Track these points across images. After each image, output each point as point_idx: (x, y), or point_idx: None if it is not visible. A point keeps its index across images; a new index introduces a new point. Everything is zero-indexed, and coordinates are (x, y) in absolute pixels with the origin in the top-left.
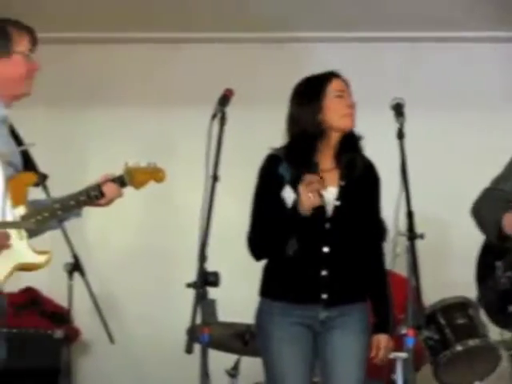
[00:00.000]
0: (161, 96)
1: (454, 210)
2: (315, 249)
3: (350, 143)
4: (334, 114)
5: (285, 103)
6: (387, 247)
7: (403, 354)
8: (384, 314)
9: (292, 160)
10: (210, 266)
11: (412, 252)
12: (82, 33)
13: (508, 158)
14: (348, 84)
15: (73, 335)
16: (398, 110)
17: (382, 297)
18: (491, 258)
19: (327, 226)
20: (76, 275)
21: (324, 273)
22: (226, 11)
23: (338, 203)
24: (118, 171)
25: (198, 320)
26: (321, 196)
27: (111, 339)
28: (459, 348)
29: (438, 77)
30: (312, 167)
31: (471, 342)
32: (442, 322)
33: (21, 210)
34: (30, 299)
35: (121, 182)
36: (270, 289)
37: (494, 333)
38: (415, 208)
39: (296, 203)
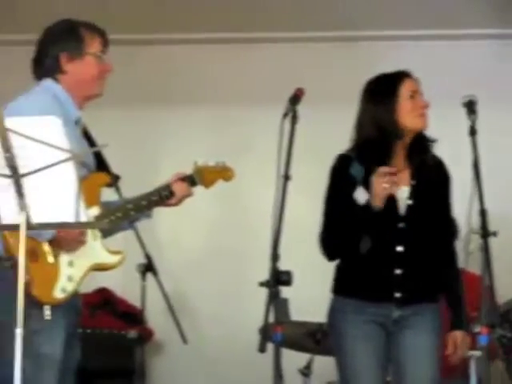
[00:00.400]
0: (232, 95)
1: None
2: (389, 248)
3: (421, 143)
4: (407, 114)
5: (356, 102)
6: (460, 245)
7: (477, 352)
8: (459, 311)
9: (365, 160)
10: (282, 265)
11: (485, 250)
12: (157, 34)
13: None
14: (419, 83)
15: (146, 335)
16: (470, 107)
17: (456, 294)
18: None
19: (401, 225)
20: (149, 276)
21: (398, 272)
22: (298, 11)
23: (410, 202)
24: (189, 171)
25: (271, 319)
26: (394, 185)
27: (184, 339)
28: None
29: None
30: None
31: None
32: None
33: (94, 211)
34: (104, 300)
35: (191, 181)
36: (342, 287)
37: None
38: (488, 205)
39: (369, 203)
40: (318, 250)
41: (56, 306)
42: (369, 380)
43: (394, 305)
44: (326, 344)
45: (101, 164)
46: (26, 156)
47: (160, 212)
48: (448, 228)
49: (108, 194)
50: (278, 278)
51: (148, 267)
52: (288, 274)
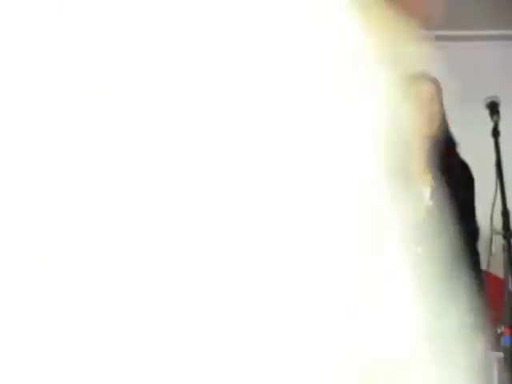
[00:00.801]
0: None
1: None
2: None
3: (442, 145)
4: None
5: None
6: (482, 247)
7: (499, 354)
8: (478, 313)
9: None
10: None
11: (508, 251)
12: None
13: None
14: (435, 85)
15: None
16: (493, 108)
17: (476, 296)
18: None
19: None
20: None
21: None
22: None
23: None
24: None
25: None
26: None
27: None
28: None
29: None
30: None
31: None
32: None
33: None
34: None
35: None
36: None
37: None
38: (511, 206)
39: None
40: None
41: None
42: None
43: None
44: None
45: None
46: None
47: None
48: (470, 228)
49: None
50: None
51: None
52: None
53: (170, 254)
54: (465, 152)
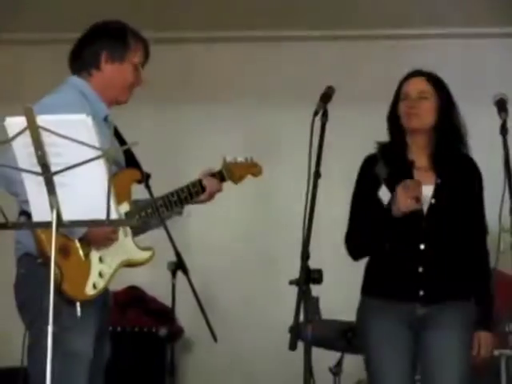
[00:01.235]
0: (262, 93)
1: None
2: (412, 246)
3: (445, 140)
4: (401, 115)
5: (385, 100)
6: (491, 244)
7: (507, 351)
8: (486, 311)
9: (387, 158)
10: (314, 263)
11: None
12: (183, 32)
13: None
14: (430, 79)
15: (176, 333)
16: (502, 105)
17: (483, 293)
18: None
19: (423, 223)
20: (179, 274)
21: (421, 270)
22: (326, 9)
23: (433, 201)
24: (218, 167)
25: (301, 317)
26: (418, 201)
27: (214, 337)
28: None
29: None
30: (407, 165)
31: None
32: None
33: (125, 207)
34: (134, 298)
35: (220, 177)
36: (368, 286)
37: None
38: None
39: (391, 202)
40: None
41: (87, 303)
42: (394, 378)
43: (419, 303)
44: (356, 343)
45: (131, 161)
46: (58, 154)
47: (190, 210)
48: (477, 226)
49: (139, 193)
50: (309, 277)
51: (178, 265)
52: (319, 272)
53: None
54: (473, 150)
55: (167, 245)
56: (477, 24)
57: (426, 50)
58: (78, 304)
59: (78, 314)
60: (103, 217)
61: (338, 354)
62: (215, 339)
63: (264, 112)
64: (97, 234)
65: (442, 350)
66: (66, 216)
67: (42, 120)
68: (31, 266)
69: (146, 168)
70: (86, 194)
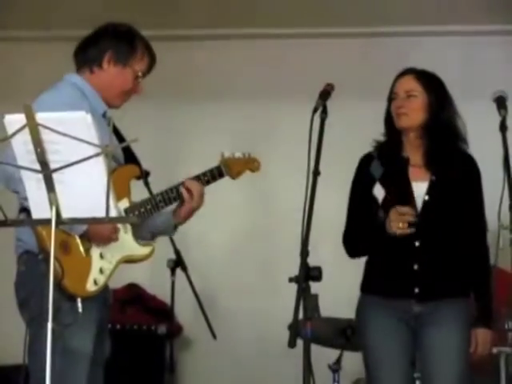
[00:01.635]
0: (262, 91)
1: None
2: (407, 243)
3: (438, 137)
4: (393, 115)
5: (385, 98)
6: (490, 241)
7: (507, 349)
8: (484, 308)
9: (382, 156)
10: (313, 261)
11: None
12: (184, 30)
13: None
14: (419, 77)
15: (176, 331)
16: (501, 102)
17: (482, 291)
18: None
19: (417, 220)
20: (178, 271)
21: (416, 267)
22: (327, 7)
23: (427, 198)
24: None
25: (301, 315)
26: (412, 225)
27: (213, 335)
28: None
29: None
30: (401, 163)
31: None
32: None
33: (124, 203)
34: (133, 295)
35: (218, 172)
36: (366, 283)
37: None
38: None
39: (385, 201)
40: None
41: (87, 300)
42: (392, 375)
43: (414, 300)
44: (356, 340)
45: (130, 158)
46: (57, 151)
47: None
48: (476, 223)
49: (138, 190)
50: (308, 274)
51: (177, 263)
52: (318, 269)
53: None
54: (472, 147)
55: (166, 242)
56: (476, 22)
57: (426, 48)
58: (79, 300)
59: (79, 310)
60: (103, 214)
61: (337, 352)
62: (214, 337)
63: (264, 109)
64: (97, 232)
65: (438, 347)
66: (66, 213)
67: (41, 117)
68: (31, 264)
69: (145, 166)
70: (86, 191)
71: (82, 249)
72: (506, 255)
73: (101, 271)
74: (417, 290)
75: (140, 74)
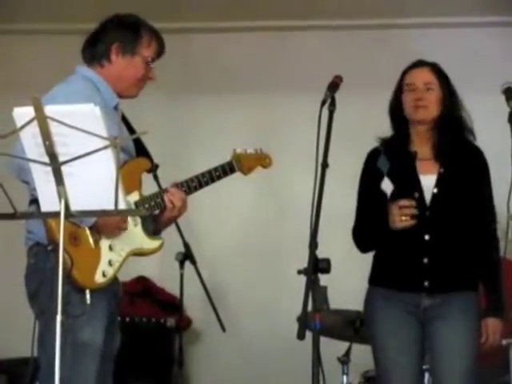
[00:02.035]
0: (270, 83)
1: None
2: (417, 237)
3: (449, 130)
4: (406, 107)
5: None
6: (499, 233)
7: None
8: (494, 298)
9: (389, 151)
10: (322, 253)
11: None
12: (193, 23)
13: None
14: (433, 71)
15: (185, 324)
16: (509, 94)
17: (492, 282)
18: None
19: (427, 213)
20: (187, 264)
21: (426, 260)
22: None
23: (435, 191)
24: (227, 159)
25: (310, 307)
26: (415, 218)
27: (222, 328)
28: None
29: None
30: (409, 157)
31: None
32: None
33: (134, 196)
34: (143, 288)
35: (230, 167)
36: (375, 276)
37: None
38: None
39: (394, 195)
40: None
41: (97, 292)
42: (401, 367)
43: (424, 294)
44: (365, 332)
45: (141, 151)
46: (66, 144)
47: (198, 201)
48: (485, 215)
49: (147, 183)
50: (317, 266)
51: (186, 256)
52: (327, 261)
53: None
54: (481, 139)
55: (175, 235)
56: (475, 13)
57: (435, 40)
58: (87, 291)
59: (88, 301)
60: (111, 206)
61: (346, 344)
62: (223, 329)
63: (274, 102)
64: (107, 223)
65: (448, 340)
66: (75, 206)
67: (49, 110)
68: (41, 256)
69: (155, 159)
70: (94, 183)
71: (91, 240)
72: None
73: (110, 263)
74: (426, 284)
75: (150, 59)
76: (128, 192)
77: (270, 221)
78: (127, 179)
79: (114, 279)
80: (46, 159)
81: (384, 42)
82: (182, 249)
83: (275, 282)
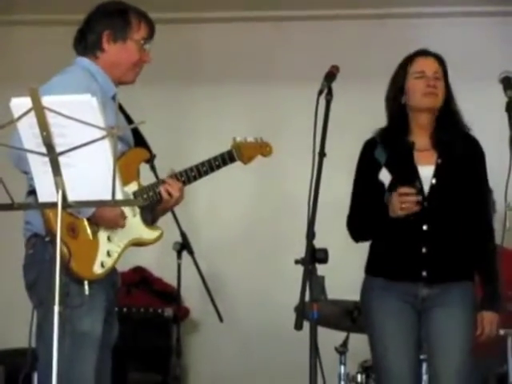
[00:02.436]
0: (268, 73)
1: None
2: (415, 226)
3: (448, 121)
4: (413, 94)
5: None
6: (497, 222)
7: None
8: (490, 290)
9: (386, 142)
10: (319, 243)
11: None
12: (192, 13)
13: None
14: (440, 61)
15: (182, 314)
16: (507, 83)
17: (489, 273)
18: None
19: (425, 204)
20: (185, 254)
21: (424, 250)
22: None
23: (434, 181)
24: (226, 148)
25: (307, 297)
26: (418, 205)
27: (220, 318)
28: None
29: None
30: (407, 147)
31: None
32: None
33: (133, 187)
34: (140, 278)
35: (229, 156)
36: (372, 266)
37: None
38: None
39: (392, 185)
40: None
41: (96, 283)
42: (397, 355)
43: (422, 283)
44: (362, 322)
45: (139, 141)
46: (63, 134)
47: (196, 190)
48: (482, 205)
49: (145, 174)
50: (314, 256)
51: (183, 246)
52: (324, 251)
53: None
54: (478, 128)
55: (172, 225)
56: (472, 2)
57: (432, 29)
58: (86, 283)
59: (86, 292)
60: (109, 197)
61: (343, 334)
62: (221, 319)
63: (271, 92)
64: (105, 217)
65: (445, 329)
66: (72, 196)
67: (46, 101)
68: (39, 247)
69: (152, 149)
70: (92, 174)
71: (89, 232)
72: None
73: (108, 254)
74: (424, 273)
75: (142, 41)
76: (127, 182)
77: (267, 211)
78: (125, 170)
79: (113, 270)
80: (44, 150)
81: (381, 32)
82: (179, 239)
83: (273, 271)
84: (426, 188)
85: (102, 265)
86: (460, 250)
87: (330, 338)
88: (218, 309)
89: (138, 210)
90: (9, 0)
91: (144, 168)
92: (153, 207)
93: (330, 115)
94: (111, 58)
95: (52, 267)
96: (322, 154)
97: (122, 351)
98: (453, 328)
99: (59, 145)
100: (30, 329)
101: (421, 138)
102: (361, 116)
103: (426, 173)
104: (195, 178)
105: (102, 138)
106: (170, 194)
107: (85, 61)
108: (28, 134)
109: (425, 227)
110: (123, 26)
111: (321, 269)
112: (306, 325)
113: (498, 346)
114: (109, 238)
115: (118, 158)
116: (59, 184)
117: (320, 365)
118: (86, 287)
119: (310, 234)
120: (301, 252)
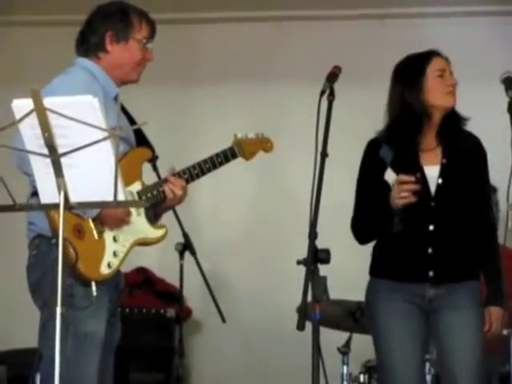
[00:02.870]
0: (270, 74)
1: None
2: (421, 227)
3: (452, 121)
4: (435, 93)
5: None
6: (499, 222)
7: None
8: (495, 287)
9: (393, 141)
10: (321, 243)
11: None
12: (195, 13)
13: None
14: (449, 62)
15: (185, 314)
16: (509, 83)
17: (493, 271)
18: None
19: (431, 204)
20: (187, 254)
21: (430, 250)
22: None
23: (440, 181)
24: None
25: (309, 297)
26: (417, 194)
27: (222, 318)
28: None
29: None
30: (412, 147)
31: None
32: None
33: (136, 186)
34: (142, 279)
35: (231, 153)
36: (377, 267)
37: None
38: None
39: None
40: None
41: (100, 284)
42: (402, 356)
43: (429, 284)
44: (365, 322)
45: (142, 141)
46: (65, 135)
47: (198, 190)
48: (485, 204)
49: (147, 174)
50: (317, 256)
51: (186, 246)
52: (326, 251)
53: None
54: (480, 128)
55: (175, 226)
56: (473, 2)
57: (434, 29)
58: (93, 284)
59: (94, 293)
60: (111, 198)
61: (346, 334)
62: (223, 320)
63: (274, 92)
64: (110, 215)
65: (454, 329)
66: (74, 198)
67: (48, 102)
68: (43, 248)
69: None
70: (94, 175)
71: (95, 232)
72: None
73: (114, 254)
74: (431, 274)
75: (144, 41)
76: (130, 182)
77: (269, 212)
78: (128, 170)
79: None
80: (46, 151)
81: (381, 32)
82: (181, 239)
83: (275, 272)
84: (433, 188)
85: (109, 265)
86: (466, 250)
87: (332, 338)
88: (221, 309)
89: (142, 209)
90: (8, 1)
91: (144, 168)
92: (156, 205)
93: (332, 116)
94: (114, 59)
95: (56, 268)
96: (324, 155)
97: (125, 351)
98: (468, 329)
99: (61, 146)
100: (39, 329)
101: (427, 137)
102: (360, 116)
103: (432, 173)
104: (198, 176)
105: (104, 139)
106: (173, 193)
107: (86, 61)
108: (30, 135)
109: (431, 227)
110: (125, 26)
111: (323, 269)
112: (309, 325)
113: (501, 346)
114: (115, 239)
115: (121, 158)
116: (61, 185)
117: (322, 365)
118: (94, 288)
119: (312, 235)
120: (303, 252)
